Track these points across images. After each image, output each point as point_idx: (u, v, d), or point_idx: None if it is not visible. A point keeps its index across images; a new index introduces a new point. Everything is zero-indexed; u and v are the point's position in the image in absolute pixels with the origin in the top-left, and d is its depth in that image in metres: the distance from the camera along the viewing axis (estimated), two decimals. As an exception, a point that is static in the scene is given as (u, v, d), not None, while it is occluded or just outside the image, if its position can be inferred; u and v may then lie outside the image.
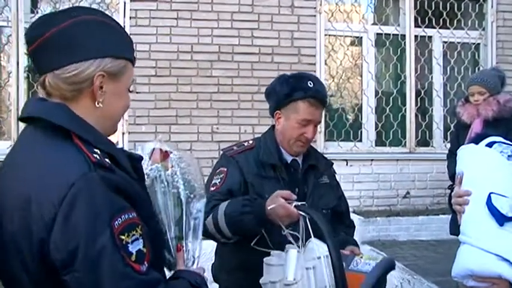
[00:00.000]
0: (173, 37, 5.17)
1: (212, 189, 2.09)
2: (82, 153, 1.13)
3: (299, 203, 1.84)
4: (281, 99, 2.18)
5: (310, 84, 2.15)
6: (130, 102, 1.32)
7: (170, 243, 1.42)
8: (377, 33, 5.69)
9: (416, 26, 5.68)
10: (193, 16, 5.19)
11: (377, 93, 5.70)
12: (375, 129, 5.64)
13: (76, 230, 1.05)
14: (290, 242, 1.84)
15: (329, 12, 5.58)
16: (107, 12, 5.26)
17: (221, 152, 2.34)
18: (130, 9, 5.13)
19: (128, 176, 1.21)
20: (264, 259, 1.87)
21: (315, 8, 5.39)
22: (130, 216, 1.12)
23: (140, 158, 1.37)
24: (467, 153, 1.75)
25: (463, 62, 5.84)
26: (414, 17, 5.66)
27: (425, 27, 5.72)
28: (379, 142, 5.64)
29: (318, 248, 1.77)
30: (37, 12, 5.15)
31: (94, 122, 1.22)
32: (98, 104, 1.21)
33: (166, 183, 1.48)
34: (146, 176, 1.44)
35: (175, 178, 1.51)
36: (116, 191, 1.12)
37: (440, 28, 5.77)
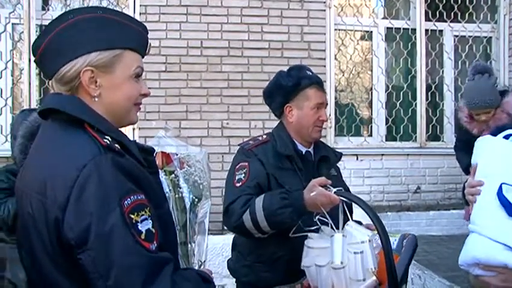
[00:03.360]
0: (183, 33, 5.17)
1: (238, 184, 2.14)
2: (93, 139, 1.19)
3: (336, 189, 1.90)
4: (290, 91, 2.26)
5: (309, 72, 2.30)
6: (139, 89, 1.33)
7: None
8: (387, 28, 5.65)
9: (427, 19, 5.64)
10: (203, 12, 5.19)
11: (387, 88, 5.67)
12: (386, 124, 5.61)
13: (88, 209, 1.11)
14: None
15: (338, 6, 5.55)
16: (117, 8, 5.30)
17: (234, 148, 2.37)
18: (140, 5, 5.14)
19: (140, 164, 1.25)
20: (305, 241, 1.93)
21: (324, 2, 5.36)
22: (139, 197, 1.16)
23: (152, 150, 1.41)
24: (483, 144, 1.76)
25: (475, 56, 5.79)
26: (425, 10, 5.61)
27: (436, 21, 5.67)
28: (389, 137, 5.62)
29: (358, 232, 1.85)
30: (48, 10, 5.20)
31: (102, 114, 1.27)
32: (94, 98, 1.26)
33: (169, 189, 1.50)
34: None
35: (180, 183, 1.52)
36: (126, 174, 1.17)
37: (451, 22, 5.72)
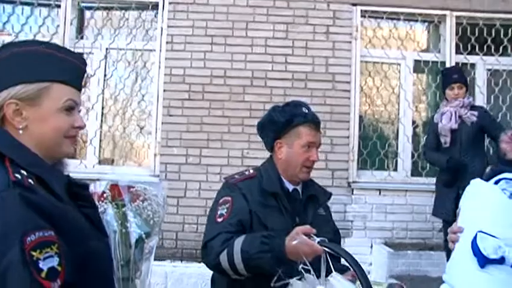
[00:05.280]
0: (207, 62, 5.24)
1: (219, 220, 2.09)
2: (6, 173, 1.18)
3: (320, 239, 1.83)
4: (282, 127, 2.20)
5: (305, 110, 2.22)
6: (71, 122, 1.31)
7: (117, 284, 1.42)
8: (416, 60, 5.52)
9: (458, 52, 5.48)
10: (227, 41, 5.25)
11: (414, 121, 5.53)
12: (411, 159, 5.45)
13: None
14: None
15: (365, 38, 5.49)
16: (145, 37, 5.44)
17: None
18: (167, 35, 5.26)
19: (58, 200, 1.22)
20: None
21: (351, 34, 5.32)
22: (46, 234, 1.12)
23: (85, 186, 1.38)
24: (471, 188, 1.66)
25: (509, 90, 5.56)
26: (456, 43, 5.46)
27: (467, 54, 5.50)
28: (415, 172, 5.45)
29: (341, 284, 1.77)
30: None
31: (30, 147, 1.26)
32: (19, 130, 1.25)
33: (117, 223, 1.49)
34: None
35: (128, 217, 1.51)
36: (35, 210, 1.14)
37: (484, 55, 5.54)
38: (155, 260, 4.79)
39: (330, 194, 2.41)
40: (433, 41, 5.65)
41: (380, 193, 5.30)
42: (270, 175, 2.21)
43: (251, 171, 2.29)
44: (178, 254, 5.04)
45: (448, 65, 5.39)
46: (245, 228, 2.06)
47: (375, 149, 5.48)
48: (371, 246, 5.22)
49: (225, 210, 2.10)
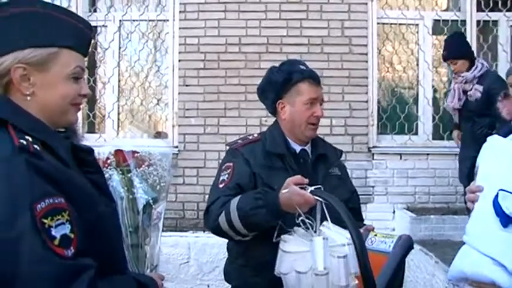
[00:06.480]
0: (222, 30, 5.17)
1: (221, 186, 2.09)
2: (9, 139, 1.14)
3: (313, 188, 1.79)
4: (281, 86, 2.16)
5: (303, 66, 2.18)
6: (78, 90, 1.27)
7: (127, 251, 1.41)
8: (435, 20, 5.36)
9: (479, 10, 5.29)
10: (241, 8, 5.16)
11: (434, 83, 5.39)
12: (432, 122, 5.33)
13: None
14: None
15: (382, -1, 5.34)
16: (158, 8, 5.37)
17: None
18: (180, 4, 5.20)
19: (64, 165, 1.19)
20: (280, 245, 1.81)
21: (366, -5, 5.17)
22: (56, 201, 1.10)
23: (90, 150, 1.34)
24: (489, 145, 1.59)
25: (534, 47, 5.38)
26: (477, 0, 5.27)
27: (489, 11, 5.31)
28: (436, 136, 5.34)
29: (336, 234, 1.74)
30: None
31: (36, 113, 1.22)
32: (26, 97, 1.20)
33: (123, 189, 1.47)
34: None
35: (135, 183, 1.49)
36: (43, 176, 1.11)
37: (507, 11, 5.33)
38: (177, 231, 4.89)
39: (341, 152, 2.37)
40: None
41: (400, 157, 5.22)
42: (274, 137, 2.18)
43: (255, 135, 2.28)
44: (200, 225, 5.06)
45: (468, 24, 5.23)
46: (245, 191, 2.03)
47: (395, 113, 5.38)
48: (393, 212, 5.17)
49: (226, 176, 2.09)
